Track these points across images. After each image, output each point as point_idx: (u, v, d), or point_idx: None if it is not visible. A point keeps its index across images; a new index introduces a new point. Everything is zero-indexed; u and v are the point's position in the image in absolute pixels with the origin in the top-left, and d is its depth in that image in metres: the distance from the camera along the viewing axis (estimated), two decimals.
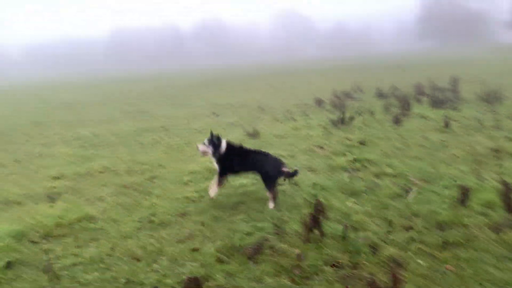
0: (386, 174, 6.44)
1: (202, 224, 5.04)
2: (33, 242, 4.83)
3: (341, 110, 11.86)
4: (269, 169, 5.36)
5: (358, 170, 6.79)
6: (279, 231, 4.57)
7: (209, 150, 5.62)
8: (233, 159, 5.60)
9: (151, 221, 5.24)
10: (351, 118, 10.47)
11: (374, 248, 4.04)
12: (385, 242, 4.25)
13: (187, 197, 6.01)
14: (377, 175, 6.44)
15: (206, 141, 5.63)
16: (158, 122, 13.20)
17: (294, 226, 4.72)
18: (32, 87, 40.48)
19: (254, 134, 9.73)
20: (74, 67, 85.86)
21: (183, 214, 5.38)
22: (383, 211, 5.05)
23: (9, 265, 4.25)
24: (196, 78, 36.39)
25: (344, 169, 6.85)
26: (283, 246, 4.27)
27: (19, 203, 6.28)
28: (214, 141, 5.59)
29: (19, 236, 4.93)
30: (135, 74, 53.27)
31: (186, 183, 6.71)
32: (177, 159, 8.37)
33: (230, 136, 10.18)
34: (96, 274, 4.02)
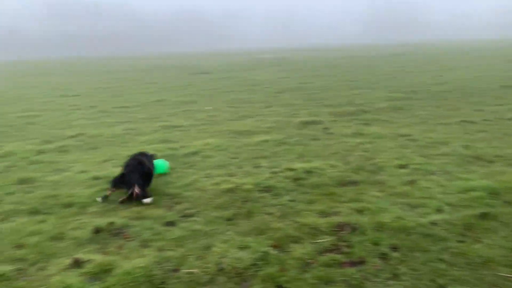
0: None
1: None
2: (506, 202, 4.82)
3: None
4: None
5: None
6: None
7: None
8: None
9: None
10: None
11: None
12: None
13: None
14: None
15: None
16: None
17: None
18: (502, 49, 39.29)
19: None
20: None
21: None
22: None
23: (482, 216, 4.46)
24: None
25: None
26: None
27: (490, 162, 6.40)
28: None
29: (492, 192, 5.06)
30: None
31: None
32: None
33: None
34: None
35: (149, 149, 7.83)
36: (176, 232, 4.33)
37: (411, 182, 5.57)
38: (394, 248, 3.85)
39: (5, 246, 4.17)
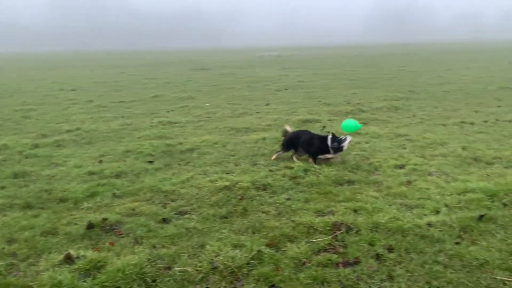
0: None
1: None
2: (504, 204, 4.78)
3: None
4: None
5: None
6: None
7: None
8: None
9: None
10: None
11: None
12: None
13: None
14: None
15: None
16: None
17: None
18: (505, 51, 39.22)
19: None
20: None
21: None
22: None
23: (480, 218, 4.42)
24: None
25: None
26: None
27: (488, 163, 6.36)
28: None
29: (490, 194, 5.01)
30: None
31: None
32: None
33: None
34: None
35: (145, 144, 7.79)
36: (170, 229, 4.28)
37: (408, 183, 5.52)
38: (390, 249, 3.80)
39: None
